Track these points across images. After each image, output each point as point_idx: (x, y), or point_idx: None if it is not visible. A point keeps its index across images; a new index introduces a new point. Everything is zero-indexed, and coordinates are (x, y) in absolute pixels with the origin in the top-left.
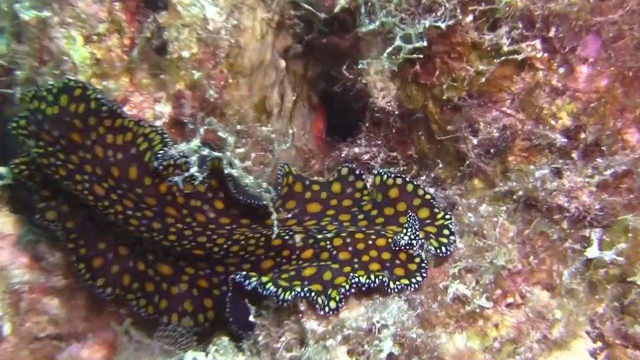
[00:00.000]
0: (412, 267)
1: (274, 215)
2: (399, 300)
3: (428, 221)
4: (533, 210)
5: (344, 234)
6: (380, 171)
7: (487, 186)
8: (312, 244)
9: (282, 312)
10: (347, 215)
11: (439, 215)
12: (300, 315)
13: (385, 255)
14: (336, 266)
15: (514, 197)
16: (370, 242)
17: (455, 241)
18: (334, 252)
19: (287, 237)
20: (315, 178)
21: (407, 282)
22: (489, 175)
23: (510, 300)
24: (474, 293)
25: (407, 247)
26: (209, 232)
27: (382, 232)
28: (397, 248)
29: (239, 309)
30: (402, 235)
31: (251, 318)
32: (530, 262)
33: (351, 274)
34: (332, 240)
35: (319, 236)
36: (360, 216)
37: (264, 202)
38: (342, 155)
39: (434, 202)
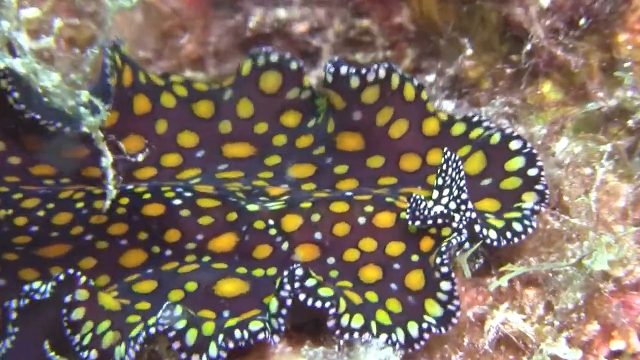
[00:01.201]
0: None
1: (107, 159)
2: (382, 348)
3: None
4: None
5: (304, 205)
6: (376, 66)
7: (571, 98)
8: (232, 224)
9: None
10: (308, 166)
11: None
12: None
13: (394, 249)
14: (271, 272)
15: (630, 123)
16: (360, 219)
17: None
18: (283, 244)
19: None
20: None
21: (421, 324)
22: (575, 74)
23: (618, 344)
24: (540, 331)
25: (439, 225)
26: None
27: (388, 199)
28: (419, 226)
29: None
30: (427, 203)
31: None
32: None
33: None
34: (278, 220)
35: (251, 207)
36: (340, 168)
37: (76, 126)
38: (250, 24)
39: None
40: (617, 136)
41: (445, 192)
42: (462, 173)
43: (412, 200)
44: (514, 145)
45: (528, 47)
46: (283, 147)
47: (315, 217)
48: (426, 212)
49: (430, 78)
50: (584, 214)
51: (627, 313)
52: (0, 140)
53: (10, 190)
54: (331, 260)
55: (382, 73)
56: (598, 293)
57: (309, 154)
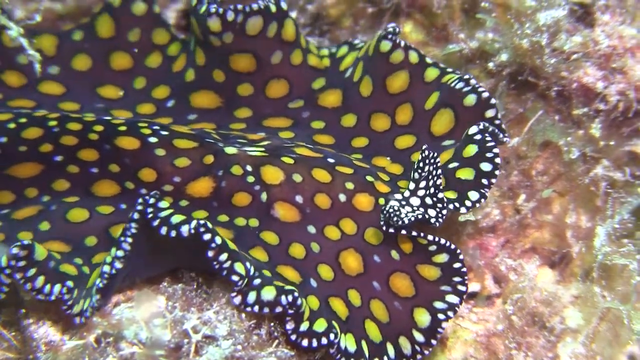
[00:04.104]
0: (433, 273)
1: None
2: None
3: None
4: (530, 96)
5: (285, 160)
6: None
7: (432, 39)
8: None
9: None
10: (284, 119)
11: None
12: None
13: (372, 235)
14: (253, 224)
15: (490, 65)
16: (341, 195)
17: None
18: (262, 195)
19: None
20: None
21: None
22: (436, 15)
23: (473, 286)
24: None
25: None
26: None
27: (368, 177)
28: (390, 221)
29: None
30: (402, 210)
31: None
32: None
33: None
34: (257, 168)
35: (228, 149)
36: (317, 123)
37: None
38: None
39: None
40: (478, 78)
41: (422, 185)
42: (439, 171)
43: (387, 208)
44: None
45: None
46: (250, 98)
47: (297, 178)
48: (401, 220)
49: (291, 15)
50: None
51: (483, 255)
52: None
53: None
54: (312, 229)
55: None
56: (455, 235)
57: (283, 107)
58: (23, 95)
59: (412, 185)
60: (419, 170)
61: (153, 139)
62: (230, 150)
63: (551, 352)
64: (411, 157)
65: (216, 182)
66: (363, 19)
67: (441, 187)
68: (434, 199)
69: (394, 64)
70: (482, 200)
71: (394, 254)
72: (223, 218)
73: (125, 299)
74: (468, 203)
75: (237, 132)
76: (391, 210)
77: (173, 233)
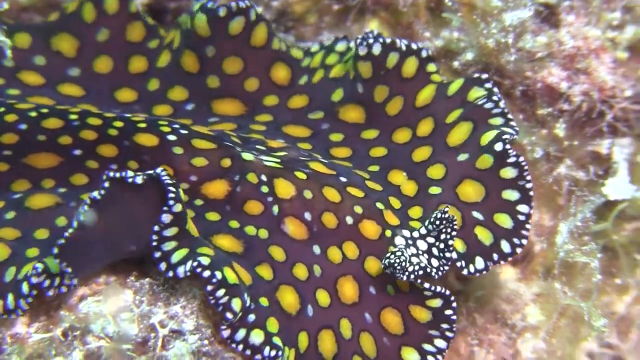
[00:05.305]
0: (424, 316)
1: None
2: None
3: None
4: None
5: (299, 175)
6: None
7: (397, 37)
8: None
9: None
10: (303, 128)
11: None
12: None
13: (372, 266)
14: (263, 235)
15: (455, 64)
16: (348, 218)
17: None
18: (273, 207)
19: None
20: None
21: None
22: (402, 13)
23: None
24: None
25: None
26: None
27: (378, 205)
28: (393, 270)
29: None
30: (408, 259)
31: None
32: None
33: None
34: (271, 180)
35: (246, 155)
36: (336, 136)
37: None
38: None
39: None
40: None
41: (433, 234)
42: (454, 233)
43: (394, 256)
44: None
45: None
46: (274, 108)
47: (308, 194)
48: (405, 276)
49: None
50: None
51: None
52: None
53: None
54: (317, 249)
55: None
56: None
57: (303, 116)
58: (42, 94)
59: (423, 231)
60: (435, 225)
61: (172, 137)
62: (248, 156)
63: (512, 348)
64: (426, 172)
65: (232, 187)
66: (328, 15)
67: (451, 249)
68: (441, 254)
69: (420, 79)
70: (488, 269)
71: (390, 289)
72: (234, 224)
73: (92, 292)
74: (472, 269)
75: (257, 136)
76: (397, 261)
77: (168, 271)
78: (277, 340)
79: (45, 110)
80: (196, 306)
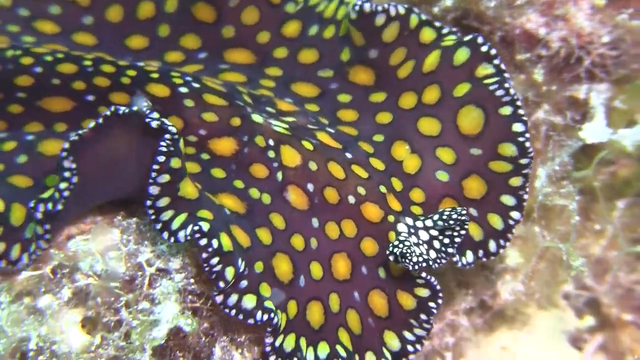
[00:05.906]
0: (409, 303)
1: None
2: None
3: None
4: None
5: (305, 144)
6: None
7: None
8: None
9: None
10: (312, 87)
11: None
12: None
13: (367, 247)
14: (266, 200)
15: (436, 10)
16: (350, 197)
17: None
18: (277, 173)
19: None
20: None
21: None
22: None
23: None
24: None
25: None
26: None
27: (382, 188)
28: (396, 257)
29: None
30: (412, 249)
31: None
32: None
33: None
34: (278, 146)
35: (255, 117)
36: (344, 97)
37: None
38: None
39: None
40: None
41: (439, 228)
42: (462, 232)
43: (398, 241)
44: (517, 127)
45: None
46: (283, 60)
47: (313, 166)
48: (410, 266)
49: None
50: None
51: None
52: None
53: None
54: (315, 222)
55: (401, 10)
56: None
57: (313, 73)
58: (57, 42)
59: (429, 222)
60: (445, 222)
61: (184, 89)
62: (257, 118)
63: (491, 290)
64: (435, 151)
65: (239, 146)
66: None
67: (455, 246)
68: (443, 247)
69: (427, 44)
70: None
71: (381, 271)
72: (239, 184)
73: (79, 231)
74: (464, 261)
75: (267, 93)
76: (403, 251)
77: (170, 237)
78: (269, 304)
79: (60, 55)
80: (182, 245)
